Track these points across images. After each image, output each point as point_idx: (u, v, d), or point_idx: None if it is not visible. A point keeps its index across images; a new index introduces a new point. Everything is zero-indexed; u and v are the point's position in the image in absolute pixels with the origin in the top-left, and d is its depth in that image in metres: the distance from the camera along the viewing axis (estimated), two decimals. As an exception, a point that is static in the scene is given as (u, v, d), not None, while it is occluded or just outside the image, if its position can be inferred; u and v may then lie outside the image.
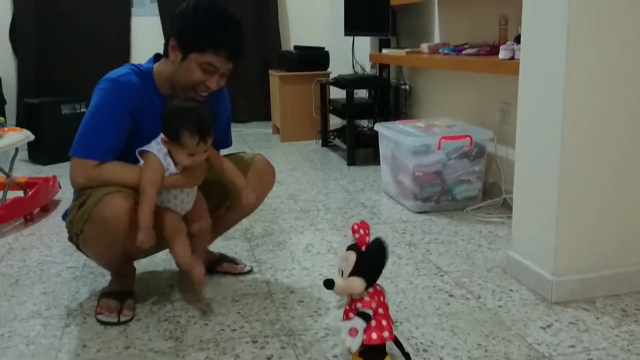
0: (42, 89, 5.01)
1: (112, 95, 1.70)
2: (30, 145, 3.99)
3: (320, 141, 4.47)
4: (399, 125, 3.05)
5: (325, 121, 4.41)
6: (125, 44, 5.26)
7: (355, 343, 1.42)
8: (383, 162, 3.12)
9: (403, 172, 2.85)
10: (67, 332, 1.73)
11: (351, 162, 3.81)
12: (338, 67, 4.56)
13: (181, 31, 1.71)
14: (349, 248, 1.49)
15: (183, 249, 1.77)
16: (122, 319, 1.78)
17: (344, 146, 3.94)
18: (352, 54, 4.43)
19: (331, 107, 4.29)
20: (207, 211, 1.87)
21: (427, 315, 1.79)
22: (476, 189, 2.86)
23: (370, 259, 1.45)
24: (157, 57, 1.82)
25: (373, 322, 1.46)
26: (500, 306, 1.83)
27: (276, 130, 4.88)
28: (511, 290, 1.95)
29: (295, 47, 4.72)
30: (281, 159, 4.07)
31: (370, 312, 1.45)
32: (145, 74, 1.77)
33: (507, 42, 2.52)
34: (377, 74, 4.01)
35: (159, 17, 5.27)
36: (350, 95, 3.75)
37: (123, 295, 1.85)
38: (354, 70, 4.43)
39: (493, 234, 2.49)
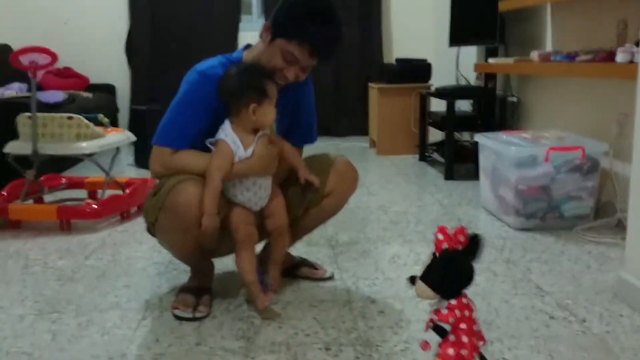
0: (153, 98, 5.23)
1: (196, 87, 1.68)
2: (136, 150, 4.16)
3: (418, 155, 4.32)
4: (502, 135, 2.85)
5: (424, 135, 4.25)
6: (231, 56, 5.40)
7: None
8: (483, 175, 2.93)
9: (504, 185, 2.65)
10: (143, 325, 1.71)
11: (449, 176, 3.63)
12: (441, 79, 4.40)
13: (277, 14, 1.69)
14: (433, 254, 1.36)
15: (248, 263, 1.72)
16: (197, 315, 1.73)
17: (443, 160, 3.76)
18: (456, 65, 4.26)
19: (431, 120, 4.13)
20: (284, 208, 1.80)
21: (522, 336, 1.60)
22: (587, 207, 2.60)
23: (435, 267, 1.32)
24: (247, 47, 1.80)
25: (452, 337, 1.31)
26: (607, 332, 1.61)
27: (373, 144, 4.78)
28: (621, 315, 1.71)
29: (397, 60, 4.62)
30: (375, 171, 3.95)
31: (447, 327, 1.30)
32: (233, 64, 1.74)
33: (626, 45, 2.28)
34: (483, 85, 3.81)
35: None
36: (450, 106, 3.58)
37: (200, 291, 1.82)
38: (458, 83, 4.26)
39: (604, 255, 2.23)
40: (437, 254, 1.33)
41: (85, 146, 2.67)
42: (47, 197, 3.02)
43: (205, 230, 1.59)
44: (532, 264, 2.15)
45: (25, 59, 2.55)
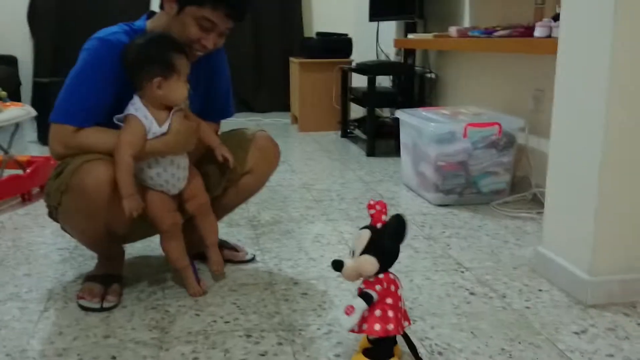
0: (58, 70, 4.91)
1: (97, 55, 1.53)
2: (39, 126, 3.88)
3: (340, 132, 4.28)
4: (422, 112, 2.84)
5: (345, 111, 4.21)
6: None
7: (349, 321, 1.24)
8: (403, 152, 2.92)
9: (425, 161, 2.65)
10: (45, 317, 1.57)
11: (371, 153, 3.61)
12: (362, 54, 4.36)
13: None
14: (364, 227, 1.30)
15: (178, 250, 1.63)
16: (105, 305, 1.61)
17: (364, 137, 3.74)
18: (376, 41, 4.23)
19: (352, 96, 4.10)
20: (203, 186, 1.70)
21: (444, 314, 1.59)
22: (504, 182, 2.64)
23: (386, 236, 1.27)
24: (150, 15, 1.65)
25: (378, 312, 1.27)
26: (527, 307, 1.62)
27: (295, 120, 4.70)
28: (540, 290, 1.73)
29: (318, 34, 4.54)
30: (297, 148, 3.89)
31: (374, 295, 1.26)
32: (137, 33, 1.60)
33: (544, 19, 2.30)
34: (402, 61, 3.80)
35: None
36: (371, 82, 3.55)
37: (109, 279, 1.69)
38: (378, 58, 4.24)
39: (521, 229, 2.27)
40: (377, 226, 1.28)
41: (-22, 122, 2.43)
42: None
43: (130, 214, 1.47)
44: (451, 240, 2.16)
45: None
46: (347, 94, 4.15)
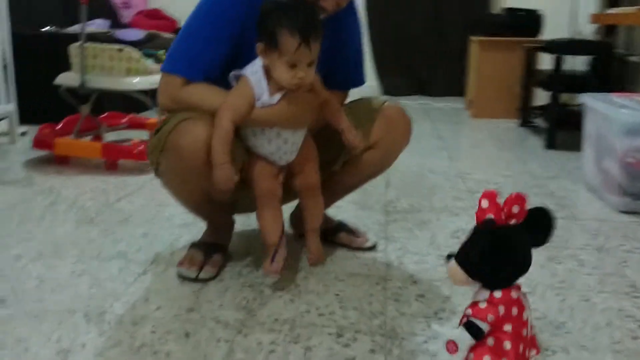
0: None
1: (220, 2, 1.36)
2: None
3: (519, 120, 3.81)
4: (613, 97, 2.35)
5: (527, 96, 3.73)
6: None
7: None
8: (586, 144, 2.44)
9: (610, 157, 2.17)
10: (140, 280, 1.48)
11: (550, 145, 3.13)
12: (554, 33, 3.82)
13: None
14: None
15: (271, 222, 1.43)
16: (202, 275, 1.48)
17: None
18: (572, 16, 3.68)
19: (537, 80, 3.60)
20: (317, 164, 1.48)
21: (597, 349, 1.21)
22: None
23: (472, 244, 0.97)
24: None
25: (490, 341, 0.96)
26: None
27: (470, 105, 4.30)
28: None
29: (504, 10, 4.08)
30: (463, 135, 3.52)
31: (485, 327, 0.95)
32: None
33: None
34: (601, 40, 3.24)
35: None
36: (558, 61, 3.06)
37: (213, 248, 1.56)
38: (573, 37, 3.68)
39: None
40: (477, 224, 0.98)
41: (135, 82, 2.48)
42: (109, 137, 2.89)
43: (217, 185, 1.30)
44: (631, 256, 1.71)
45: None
46: (532, 78, 3.66)
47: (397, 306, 1.38)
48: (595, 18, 3.13)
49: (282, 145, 1.40)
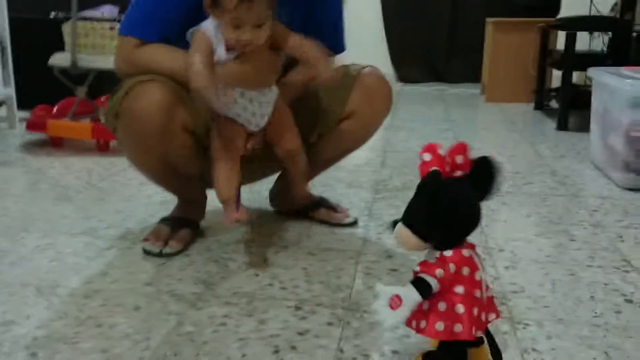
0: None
1: None
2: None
3: (533, 103, 3.67)
4: (623, 70, 2.21)
5: (542, 78, 3.59)
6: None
7: (390, 318, 0.85)
8: (593, 120, 2.32)
9: (615, 132, 2.05)
10: (103, 256, 1.43)
11: (562, 126, 3.00)
12: (572, 12, 3.67)
13: None
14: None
15: (224, 177, 1.31)
16: (165, 250, 1.42)
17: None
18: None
19: (551, 61, 3.46)
20: (294, 128, 1.40)
21: (574, 322, 1.12)
22: None
23: (418, 201, 0.88)
24: None
25: (442, 305, 0.87)
26: None
27: (485, 90, 4.17)
28: None
29: (521, -10, 3.94)
30: (474, 118, 3.41)
31: (434, 284, 0.86)
32: None
33: None
34: (618, 16, 3.09)
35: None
36: (571, 39, 2.92)
37: (181, 223, 1.50)
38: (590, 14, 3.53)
39: None
40: (422, 179, 0.90)
41: (126, 62, 2.43)
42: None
43: (223, 101, 1.20)
44: (627, 231, 1.60)
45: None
46: (546, 59, 3.52)
47: (367, 279, 1.30)
48: (609, -8, 2.99)
49: (248, 105, 1.31)
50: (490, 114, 3.55)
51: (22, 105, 2.91)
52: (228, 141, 1.32)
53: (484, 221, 1.64)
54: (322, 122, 1.50)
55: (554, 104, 3.61)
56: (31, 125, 2.52)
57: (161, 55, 1.30)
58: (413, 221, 0.89)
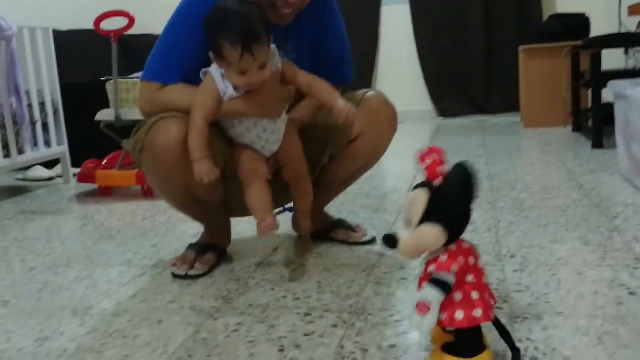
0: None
1: (186, 9, 1.44)
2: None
3: (572, 126, 3.65)
4: (643, 81, 2.23)
5: (577, 100, 3.59)
6: (374, 32, 5.14)
7: (425, 323, 0.92)
8: (617, 133, 2.32)
9: (636, 140, 2.05)
10: (135, 281, 1.55)
11: (597, 144, 2.98)
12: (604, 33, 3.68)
13: None
14: (417, 186, 0.99)
15: (257, 200, 1.43)
16: (191, 272, 1.53)
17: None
18: (618, 13, 3.53)
19: (583, 82, 3.46)
20: (301, 153, 1.50)
21: (573, 314, 1.14)
22: None
23: (450, 195, 0.94)
24: None
25: (457, 295, 0.94)
26: None
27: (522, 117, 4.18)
28: None
29: (551, 16, 3.99)
30: (509, 143, 3.41)
31: (451, 279, 0.93)
32: None
33: None
34: (644, 33, 3.09)
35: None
36: (595, 57, 2.93)
37: (206, 248, 1.60)
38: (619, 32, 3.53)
39: None
40: (437, 182, 0.96)
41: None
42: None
43: (200, 179, 1.35)
44: (647, 233, 1.60)
45: (105, 25, 2.58)
46: (579, 80, 3.53)
47: (376, 288, 1.36)
48: (632, 10, 3.00)
49: (262, 134, 1.43)
50: (527, 138, 3.55)
51: (75, 163, 3.14)
52: (253, 168, 1.43)
53: (499, 231, 1.69)
54: (333, 143, 1.59)
55: (588, 124, 3.58)
56: (81, 177, 2.72)
57: (179, 94, 1.43)
58: (446, 214, 0.94)
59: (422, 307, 0.93)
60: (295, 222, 1.79)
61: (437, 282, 0.94)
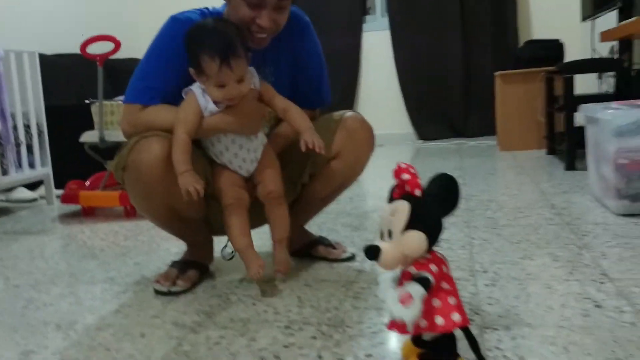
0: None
1: (165, 33, 1.51)
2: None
3: (546, 149, 3.75)
4: (612, 105, 2.31)
5: (551, 123, 3.69)
6: (355, 58, 5.24)
7: (409, 313, 0.95)
8: (588, 155, 2.40)
9: (605, 161, 2.13)
10: (118, 298, 1.58)
11: (570, 166, 3.07)
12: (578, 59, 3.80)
13: None
14: (396, 199, 1.04)
15: (238, 228, 1.50)
16: (173, 289, 1.56)
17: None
18: (590, 41, 3.66)
19: (557, 106, 3.57)
20: (278, 173, 1.56)
21: (541, 325, 1.19)
22: None
23: (432, 205, 1.01)
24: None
25: (436, 302, 0.99)
26: (664, 324, 1.13)
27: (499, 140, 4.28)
28: (700, 306, 1.21)
29: (527, 42, 4.11)
30: (485, 165, 3.49)
31: (431, 278, 0.98)
32: (212, 15, 1.56)
33: None
34: (617, 57, 3.20)
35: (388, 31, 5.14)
36: (568, 82, 3.04)
37: (189, 265, 1.64)
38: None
39: None
40: (416, 193, 1.01)
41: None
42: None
43: (186, 192, 1.38)
44: (612, 250, 1.66)
45: (91, 49, 2.63)
46: (553, 104, 3.64)
47: (354, 302, 1.41)
48: (605, 36, 3.11)
49: (239, 152, 1.49)
50: (502, 160, 3.64)
51: (58, 185, 3.16)
52: (237, 197, 1.49)
53: (473, 248, 1.75)
54: (312, 162, 1.64)
55: (562, 146, 3.68)
56: (65, 198, 2.74)
57: (159, 113, 1.49)
58: (428, 223, 1.00)
59: (407, 298, 0.97)
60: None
61: (418, 279, 0.98)
